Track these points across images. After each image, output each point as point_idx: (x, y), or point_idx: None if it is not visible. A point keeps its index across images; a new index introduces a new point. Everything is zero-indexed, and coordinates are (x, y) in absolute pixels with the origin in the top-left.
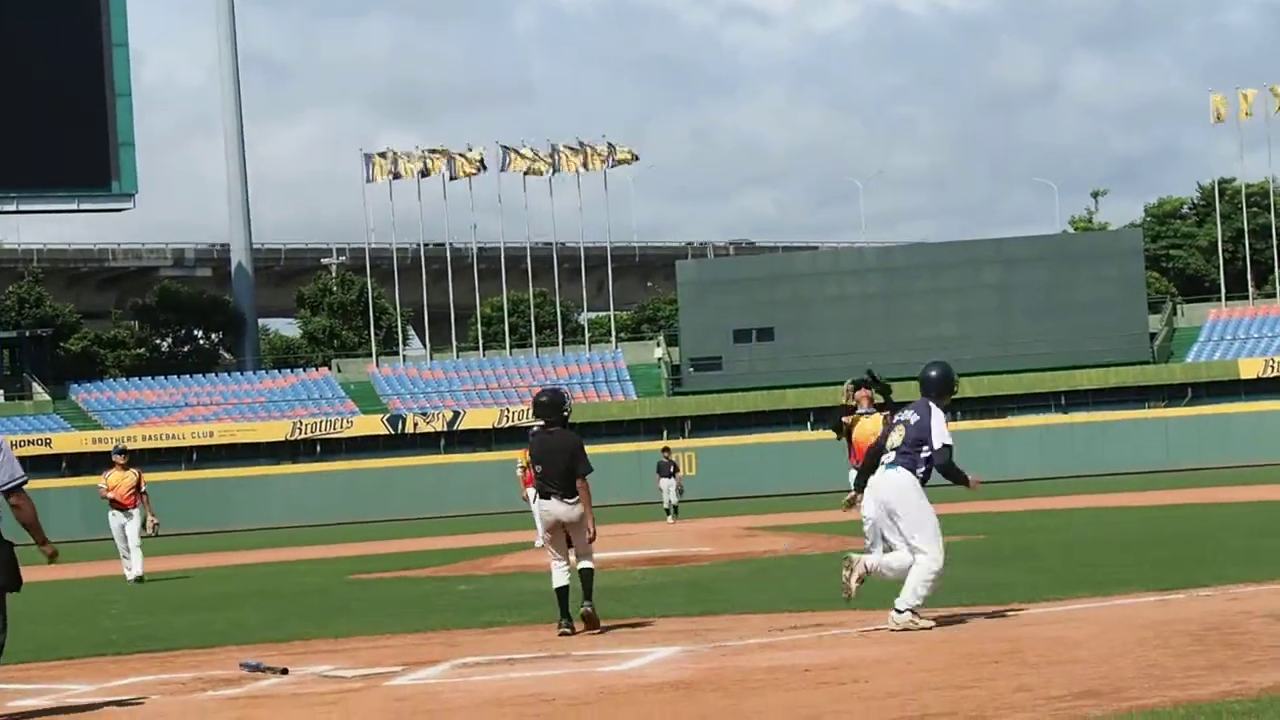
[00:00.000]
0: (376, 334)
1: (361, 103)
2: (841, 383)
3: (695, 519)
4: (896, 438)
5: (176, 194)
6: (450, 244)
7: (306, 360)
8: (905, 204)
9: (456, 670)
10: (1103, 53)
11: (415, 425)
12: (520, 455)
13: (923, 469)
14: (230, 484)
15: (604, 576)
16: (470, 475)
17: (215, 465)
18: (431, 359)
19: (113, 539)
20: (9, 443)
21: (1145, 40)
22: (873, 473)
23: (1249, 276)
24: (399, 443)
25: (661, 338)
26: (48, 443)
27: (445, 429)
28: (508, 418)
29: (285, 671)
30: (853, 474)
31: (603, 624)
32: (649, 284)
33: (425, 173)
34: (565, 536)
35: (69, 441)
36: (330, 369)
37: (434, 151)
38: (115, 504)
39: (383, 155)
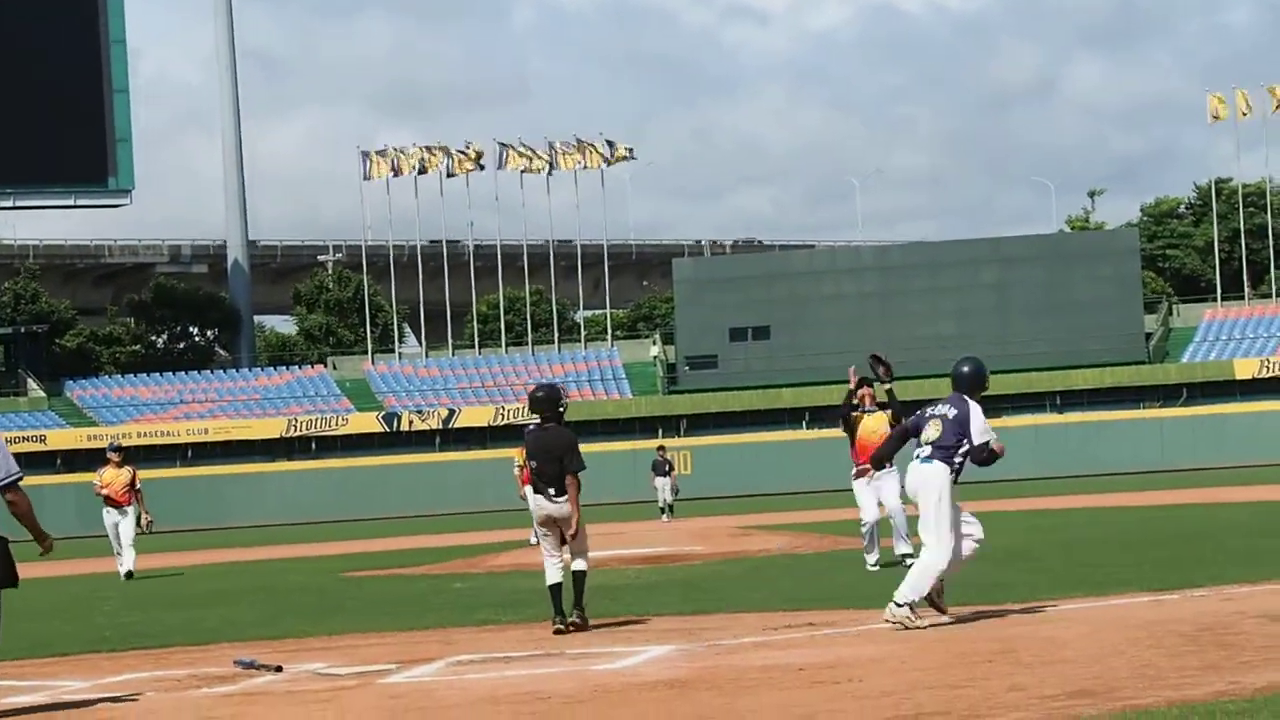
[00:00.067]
0: (372, 331)
1: (359, 100)
2: (837, 382)
3: (690, 518)
4: (934, 431)
5: (173, 190)
6: (447, 241)
7: (302, 357)
8: (903, 203)
9: (451, 668)
10: (1101, 52)
11: (410, 423)
12: (517, 454)
13: (959, 463)
14: (225, 481)
15: (598, 575)
16: (465, 473)
17: (210, 462)
18: (427, 356)
19: (107, 536)
20: (4, 439)
21: (1143, 40)
22: (892, 454)
23: (1245, 277)
24: (394, 440)
25: (657, 336)
26: (42, 439)
27: (440, 427)
28: (503, 415)
29: (279, 669)
30: (854, 471)
31: (595, 623)
32: (645, 282)
33: (422, 170)
34: (560, 533)
35: (64, 438)
36: (326, 366)
37: (431, 149)
38: (109, 501)
39: (380, 153)
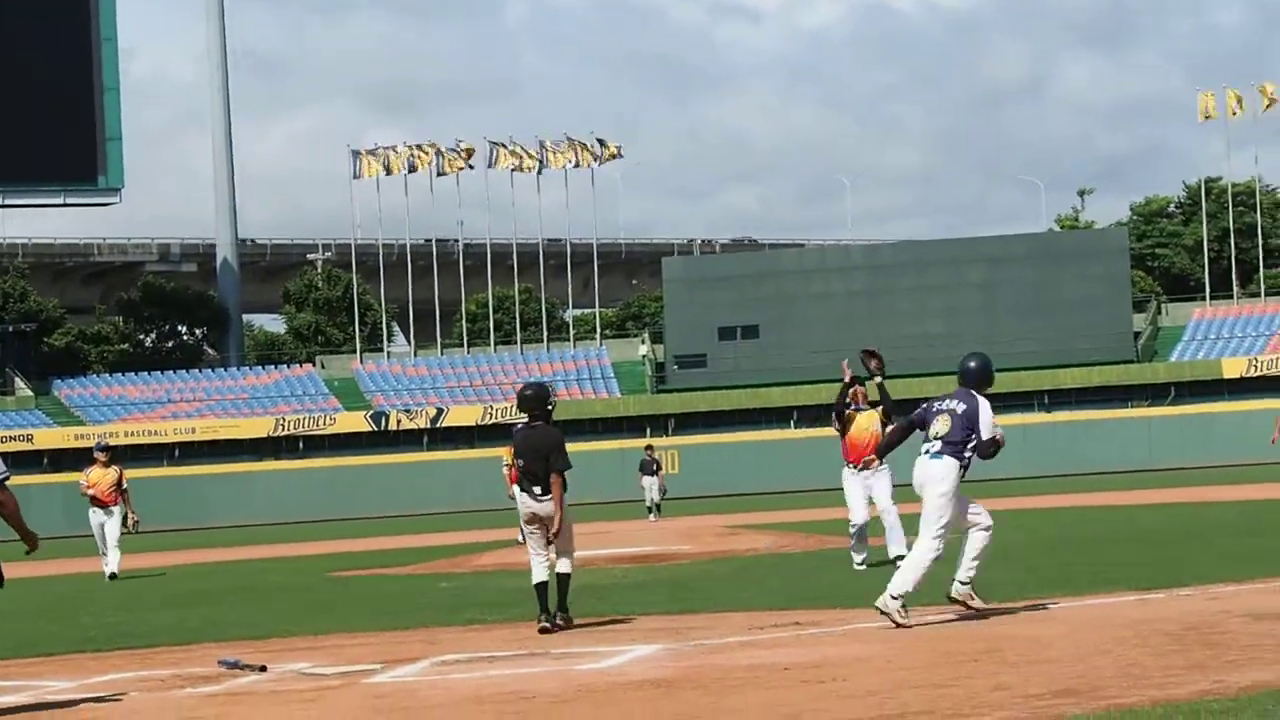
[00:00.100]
0: (361, 330)
1: (349, 99)
2: (826, 381)
3: (677, 517)
4: (943, 426)
5: (163, 189)
6: (436, 240)
7: (290, 356)
8: (893, 202)
9: (436, 668)
10: (1091, 51)
11: (399, 422)
12: (505, 452)
13: (968, 458)
14: (212, 480)
15: (585, 574)
16: (453, 473)
17: (197, 462)
18: (415, 356)
19: (93, 536)
20: None
21: (1133, 39)
22: (894, 447)
23: (1234, 276)
24: (382, 440)
25: (646, 335)
26: (29, 439)
27: (428, 426)
28: (491, 415)
29: (264, 669)
30: (845, 470)
31: (580, 622)
32: (634, 281)
33: (412, 169)
34: (545, 532)
35: (51, 437)
36: (314, 365)
37: (421, 147)
38: (95, 501)
39: (370, 152)
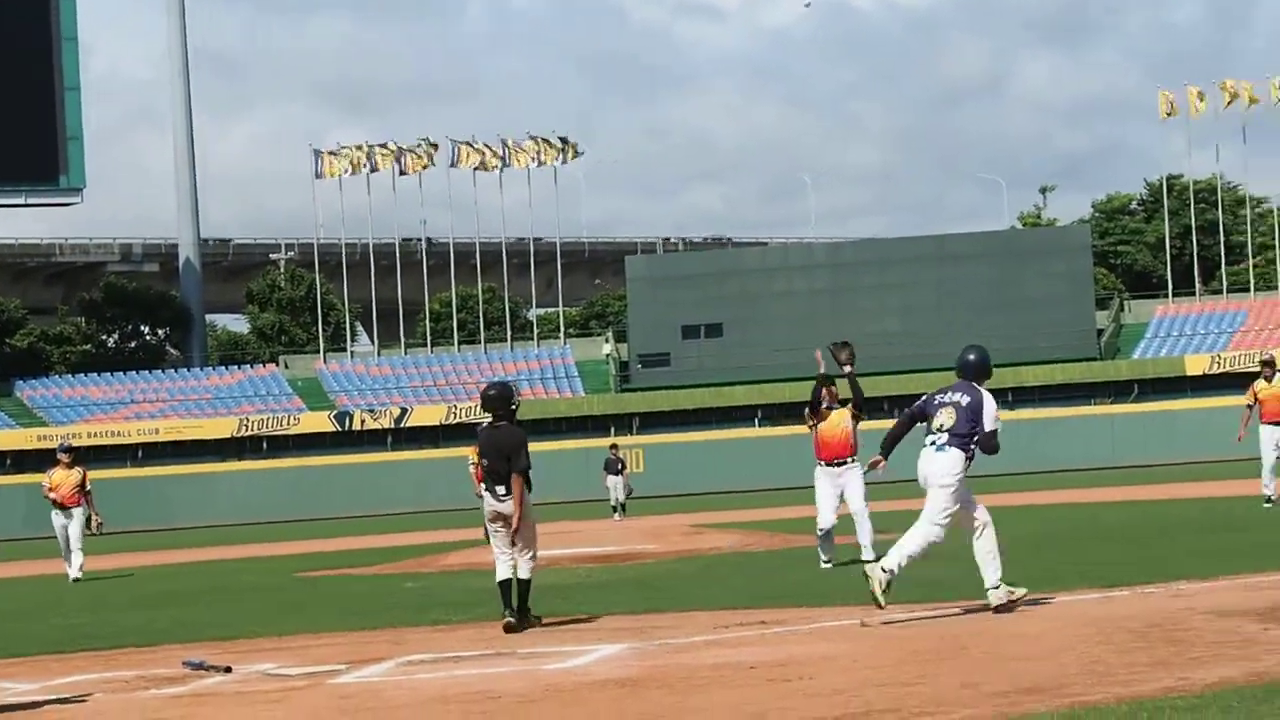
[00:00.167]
0: (325, 330)
1: (312, 98)
2: (790, 379)
3: (642, 516)
4: (947, 419)
5: (124, 188)
6: (399, 240)
7: (254, 356)
8: (856, 199)
9: (401, 668)
10: (1051, 49)
11: (363, 422)
12: (471, 452)
13: (973, 450)
14: (176, 481)
15: (550, 574)
16: (417, 472)
17: (161, 462)
18: (379, 355)
19: (55, 537)
20: None
21: (1094, 36)
22: (898, 440)
23: (1196, 273)
24: (346, 440)
25: (610, 334)
26: None
27: (393, 426)
28: (455, 414)
29: (229, 670)
30: (818, 469)
31: (547, 621)
32: (597, 281)
33: (374, 168)
34: (509, 531)
35: (13, 439)
36: (278, 365)
37: (384, 147)
38: (58, 503)
39: (333, 153)
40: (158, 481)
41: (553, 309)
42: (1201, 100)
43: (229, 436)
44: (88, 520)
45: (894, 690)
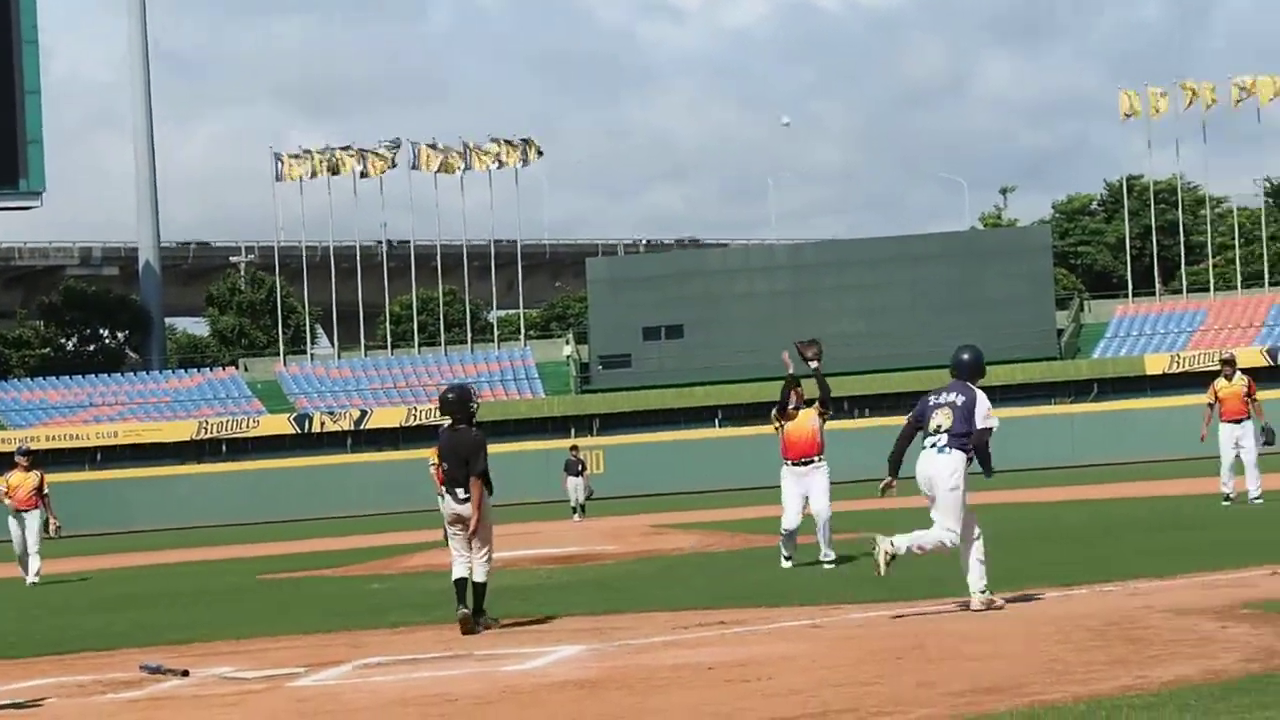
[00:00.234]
0: (285, 333)
1: (272, 100)
2: (751, 380)
3: (602, 517)
4: (945, 420)
5: (83, 191)
6: (360, 242)
7: (213, 359)
8: (816, 199)
9: (360, 671)
10: (1012, 49)
11: (322, 424)
12: (431, 453)
13: (971, 449)
14: (135, 484)
15: (509, 575)
16: (378, 474)
17: (120, 466)
18: (339, 358)
19: (11, 542)
20: None
21: (1055, 36)
22: (904, 453)
23: (1156, 273)
24: (306, 442)
25: (571, 335)
26: None
27: (353, 428)
28: (415, 416)
29: (186, 673)
30: (784, 468)
31: (505, 623)
32: (558, 283)
33: (335, 170)
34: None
35: None
36: (237, 368)
37: (345, 149)
38: (15, 508)
39: (295, 156)
40: (117, 485)
41: (514, 311)
42: (1162, 101)
43: (188, 439)
44: (46, 524)
45: (852, 690)
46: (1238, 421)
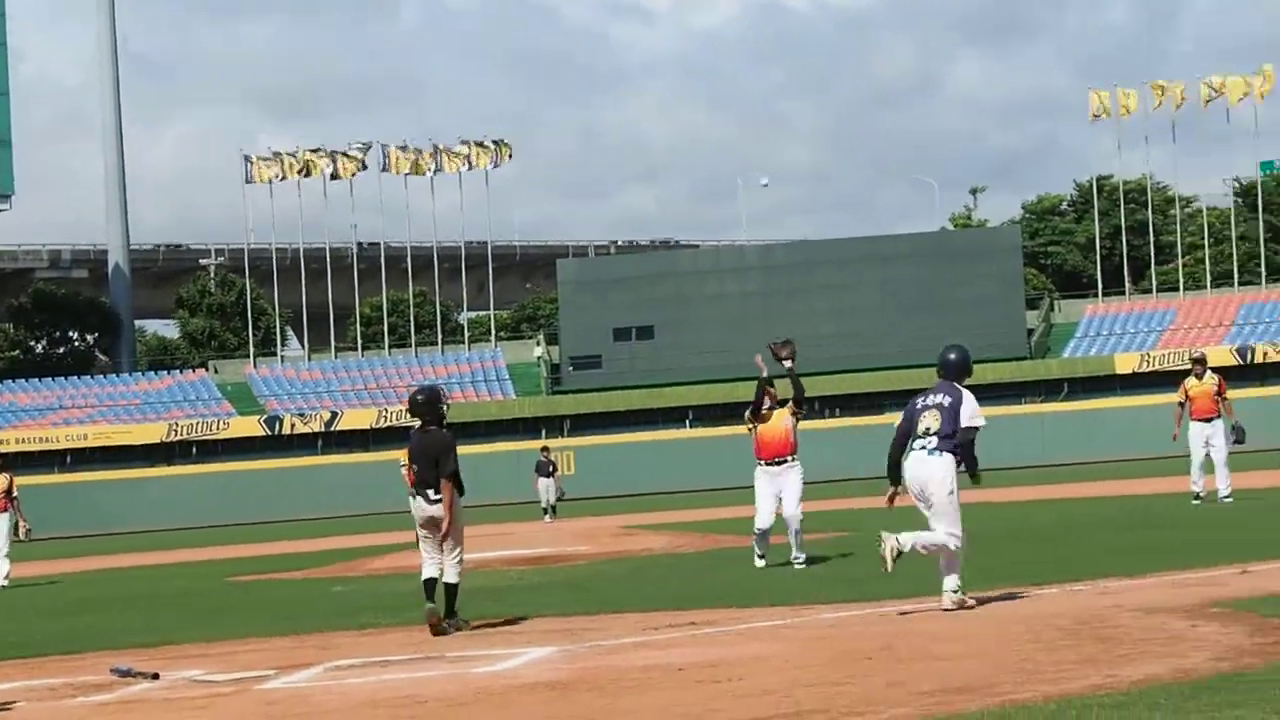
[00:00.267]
0: (255, 335)
1: (242, 102)
2: (721, 381)
3: (573, 518)
4: (934, 421)
5: (52, 193)
6: (330, 244)
7: (183, 362)
8: (787, 200)
9: (330, 673)
10: (981, 49)
11: (293, 426)
12: (402, 455)
13: (959, 449)
14: (105, 487)
15: (480, 577)
16: (348, 476)
17: (90, 468)
18: (310, 359)
19: None
20: None
21: (1024, 37)
22: (900, 460)
23: (1126, 273)
24: (276, 444)
25: (541, 337)
26: None
27: (323, 430)
28: (386, 418)
29: (156, 676)
30: (758, 468)
31: (476, 624)
32: (528, 284)
33: (306, 173)
34: (438, 535)
35: None
36: (207, 370)
37: (315, 151)
38: None
39: (265, 159)
40: (86, 487)
41: (484, 312)
42: (1131, 99)
43: (158, 442)
44: (15, 527)
45: (823, 690)
46: (1208, 420)
